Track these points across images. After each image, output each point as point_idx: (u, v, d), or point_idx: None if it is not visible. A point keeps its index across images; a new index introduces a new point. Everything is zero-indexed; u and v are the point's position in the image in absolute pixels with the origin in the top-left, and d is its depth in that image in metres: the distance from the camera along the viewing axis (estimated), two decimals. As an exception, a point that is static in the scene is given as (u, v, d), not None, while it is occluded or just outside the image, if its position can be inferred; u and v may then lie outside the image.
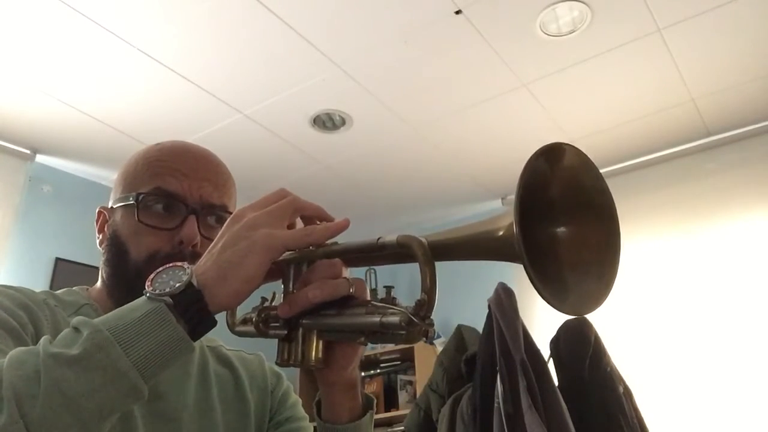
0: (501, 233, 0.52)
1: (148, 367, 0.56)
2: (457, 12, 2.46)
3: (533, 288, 0.49)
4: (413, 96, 3.00)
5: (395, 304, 0.59)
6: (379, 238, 0.61)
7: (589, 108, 3.13)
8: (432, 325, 0.54)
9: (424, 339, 0.55)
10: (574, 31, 2.59)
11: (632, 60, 2.76)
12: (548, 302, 0.47)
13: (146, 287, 0.60)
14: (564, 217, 0.57)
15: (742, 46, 2.70)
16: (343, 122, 3.19)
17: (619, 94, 3.02)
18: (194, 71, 2.78)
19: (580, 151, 0.55)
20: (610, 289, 0.54)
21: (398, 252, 0.60)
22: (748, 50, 2.73)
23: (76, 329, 0.56)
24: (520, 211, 0.48)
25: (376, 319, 0.58)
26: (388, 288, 0.61)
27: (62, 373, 0.52)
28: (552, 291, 0.48)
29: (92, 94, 2.89)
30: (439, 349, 3.10)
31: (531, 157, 0.51)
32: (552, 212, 0.57)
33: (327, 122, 3.18)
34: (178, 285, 0.59)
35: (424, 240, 0.58)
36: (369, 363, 3.98)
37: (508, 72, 2.83)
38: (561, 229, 0.56)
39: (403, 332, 0.56)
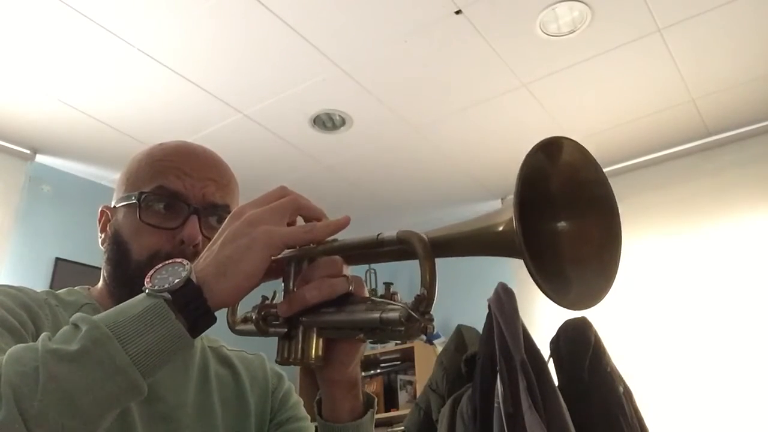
0: (501, 228, 0.52)
1: (147, 362, 0.55)
2: (457, 12, 2.46)
3: (533, 286, 0.48)
4: (413, 96, 3.00)
5: (395, 300, 0.59)
6: (379, 234, 0.61)
7: (589, 108, 3.12)
8: (431, 320, 0.54)
9: (424, 335, 0.54)
10: (574, 31, 2.59)
11: (632, 60, 2.76)
12: (549, 297, 0.47)
13: (145, 283, 0.60)
14: (564, 211, 0.56)
15: (742, 46, 2.70)
16: (343, 122, 3.18)
17: (619, 94, 3.02)
18: (194, 71, 2.78)
19: (580, 144, 0.54)
20: (612, 283, 0.53)
21: (398, 248, 0.60)
22: (748, 50, 2.73)
23: (75, 326, 0.56)
24: (519, 205, 0.48)
25: (376, 315, 0.58)
26: (388, 284, 0.61)
27: (61, 369, 0.52)
28: (553, 286, 0.48)
29: (92, 94, 2.89)
30: (439, 349, 3.10)
31: (530, 151, 0.51)
32: (552, 207, 0.56)
33: (327, 122, 3.18)
34: (177, 281, 0.59)
35: (424, 235, 0.58)
36: (369, 363, 3.98)
37: (508, 72, 2.83)
38: (561, 224, 0.56)
39: (402, 328, 0.55)
